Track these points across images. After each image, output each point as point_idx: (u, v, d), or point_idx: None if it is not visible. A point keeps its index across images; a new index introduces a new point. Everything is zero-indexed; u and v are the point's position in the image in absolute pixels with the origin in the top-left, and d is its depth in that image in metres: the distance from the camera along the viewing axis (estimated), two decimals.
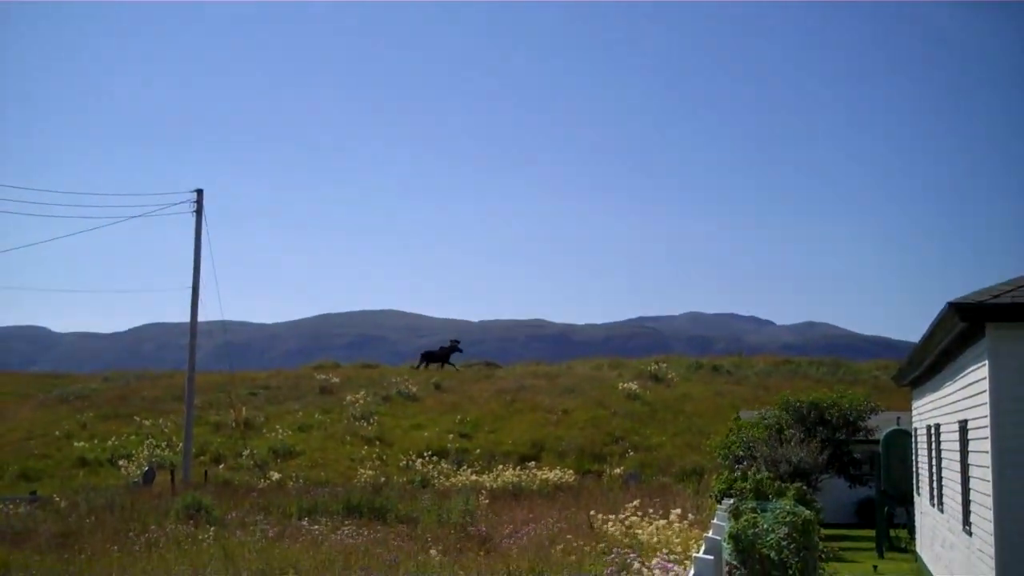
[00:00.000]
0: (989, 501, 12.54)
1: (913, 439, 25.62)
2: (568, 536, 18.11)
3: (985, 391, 12.64)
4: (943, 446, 18.15)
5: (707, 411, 54.33)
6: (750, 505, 13.48)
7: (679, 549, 15.38)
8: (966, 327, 12.97)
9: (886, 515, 27.78)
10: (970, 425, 14.28)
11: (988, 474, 12.69)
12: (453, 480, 41.64)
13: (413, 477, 42.49)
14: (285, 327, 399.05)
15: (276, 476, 41.60)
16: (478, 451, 46.80)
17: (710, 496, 30.80)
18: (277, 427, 49.03)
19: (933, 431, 19.95)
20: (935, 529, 20.37)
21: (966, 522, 14.97)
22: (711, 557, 10.28)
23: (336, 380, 58.63)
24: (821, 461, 32.03)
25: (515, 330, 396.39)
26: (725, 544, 12.82)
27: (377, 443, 47.58)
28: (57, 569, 16.43)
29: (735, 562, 12.24)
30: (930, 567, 21.58)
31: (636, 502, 20.65)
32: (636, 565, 13.10)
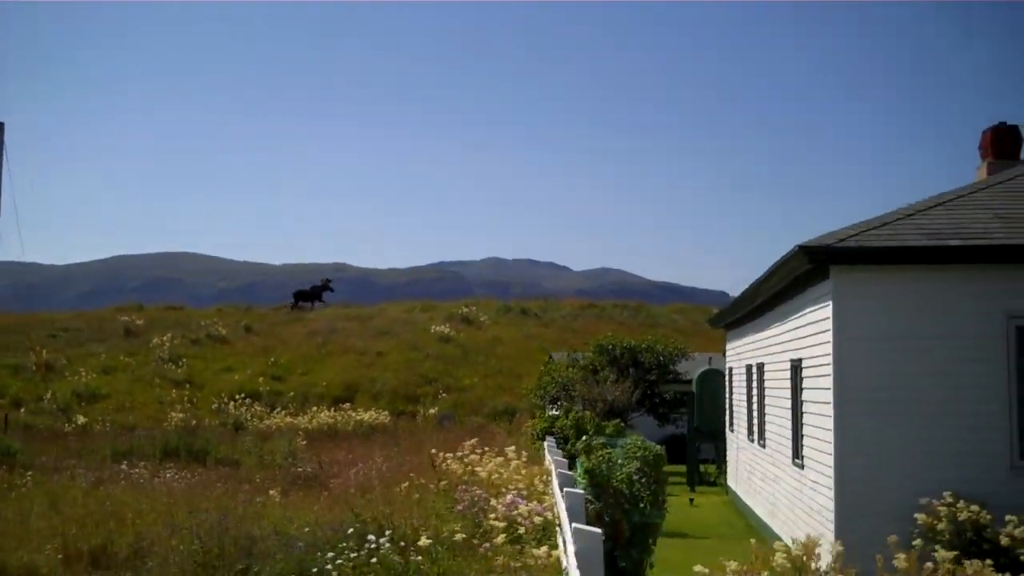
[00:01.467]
0: (828, 435, 13.19)
1: (727, 379, 26.66)
2: (411, 474, 18.05)
3: (827, 331, 13.24)
4: (768, 384, 18.96)
5: (517, 354, 55.13)
6: (600, 440, 13.76)
7: (522, 486, 15.57)
8: (810, 269, 13.54)
9: (696, 451, 28.84)
10: (805, 364, 14.96)
11: (827, 410, 13.35)
12: (267, 422, 41.05)
13: (226, 420, 41.63)
14: (77, 268, 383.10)
15: (82, 420, 40.08)
16: (291, 394, 46.28)
17: (530, 435, 31.36)
18: (80, 370, 47.13)
19: (755, 370, 20.80)
20: (753, 463, 21.32)
21: (797, 456, 15.72)
22: (580, 491, 10.49)
23: (140, 322, 56.73)
24: (634, 400, 33.04)
25: (317, 273, 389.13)
26: (579, 479, 13.08)
27: (187, 386, 46.37)
28: None
29: (589, 496, 12.50)
30: (744, 499, 22.60)
31: (473, 440, 20.78)
32: (492, 502, 13.22)
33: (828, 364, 13.25)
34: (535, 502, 13.64)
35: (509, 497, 14.09)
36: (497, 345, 56.13)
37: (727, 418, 26.80)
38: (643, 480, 12.90)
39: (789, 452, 16.37)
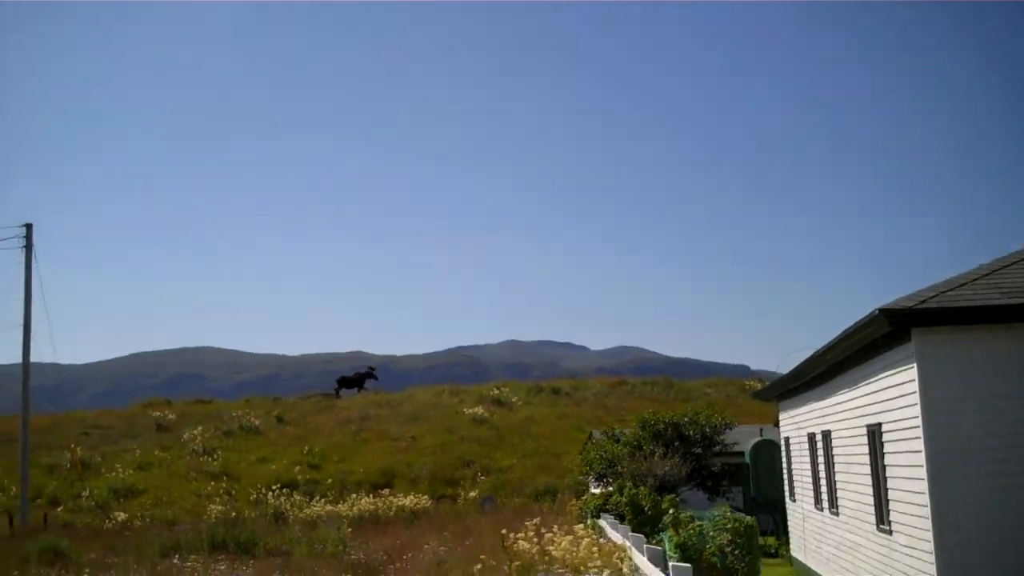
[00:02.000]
0: (922, 499, 12.93)
1: (784, 448, 26.33)
2: (482, 556, 17.71)
3: (913, 393, 13.05)
4: (839, 451, 18.67)
5: (552, 432, 54.85)
6: (688, 514, 13.52)
7: (599, 563, 15.29)
8: (888, 332, 13.39)
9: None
10: (885, 428, 14.73)
11: (918, 473, 13.11)
12: (307, 511, 40.67)
13: (265, 510, 41.26)
14: (96, 367, 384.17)
15: (121, 516, 39.82)
16: (329, 481, 45.95)
17: (576, 513, 31.00)
18: (116, 466, 47.00)
19: (819, 438, 20.51)
20: (823, 532, 20.91)
21: (882, 521, 15.41)
22: (688, 565, 10.25)
23: (172, 417, 56.64)
24: (684, 474, 32.71)
25: (335, 363, 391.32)
26: (670, 553, 12.83)
27: (224, 478, 46.16)
28: None
29: None
30: (815, 568, 22.14)
31: (537, 520, 20.50)
32: None
33: (915, 427, 13.04)
34: None
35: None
36: (531, 425, 55.84)
37: (787, 488, 26.39)
38: (736, 552, 12.66)
39: (871, 518, 16.05)
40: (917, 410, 12.93)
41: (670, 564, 10.03)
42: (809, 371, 20.16)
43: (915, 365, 12.92)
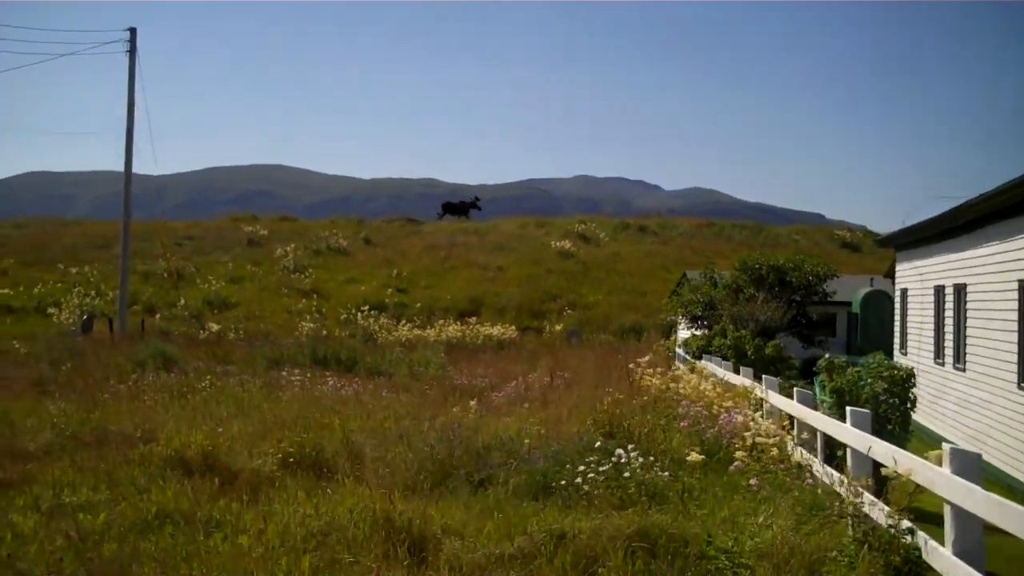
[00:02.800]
0: None
1: (900, 300, 25.74)
2: (607, 389, 17.55)
3: None
4: (975, 306, 18.11)
5: (638, 271, 54.55)
6: (842, 359, 13.15)
7: (729, 404, 15.07)
8: None
9: None
10: None
11: None
12: (395, 334, 41.09)
13: (354, 331, 41.77)
14: (171, 180, 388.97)
15: (215, 327, 40.47)
16: (418, 306, 46.27)
17: (671, 352, 30.83)
18: (209, 278, 47.61)
19: (950, 291, 19.91)
20: (943, 388, 20.49)
21: None
22: (867, 411, 9.88)
23: (264, 232, 57.07)
24: (786, 321, 32.33)
25: (407, 187, 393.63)
26: (826, 398, 12.50)
27: (314, 296, 46.60)
28: (85, 419, 15.40)
29: (836, 416, 11.95)
30: (927, 425, 21.82)
31: (648, 357, 20.32)
32: (739, 418, 12.73)
33: None
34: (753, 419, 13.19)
35: (739, 416, 13.61)
36: (617, 262, 55.54)
37: (897, 340, 25.91)
38: (891, 400, 12.30)
39: (1011, 376, 15.56)
40: None
41: (849, 409, 9.66)
42: (950, 221, 19.43)
43: None
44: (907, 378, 12.46)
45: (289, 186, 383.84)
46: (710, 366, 21.94)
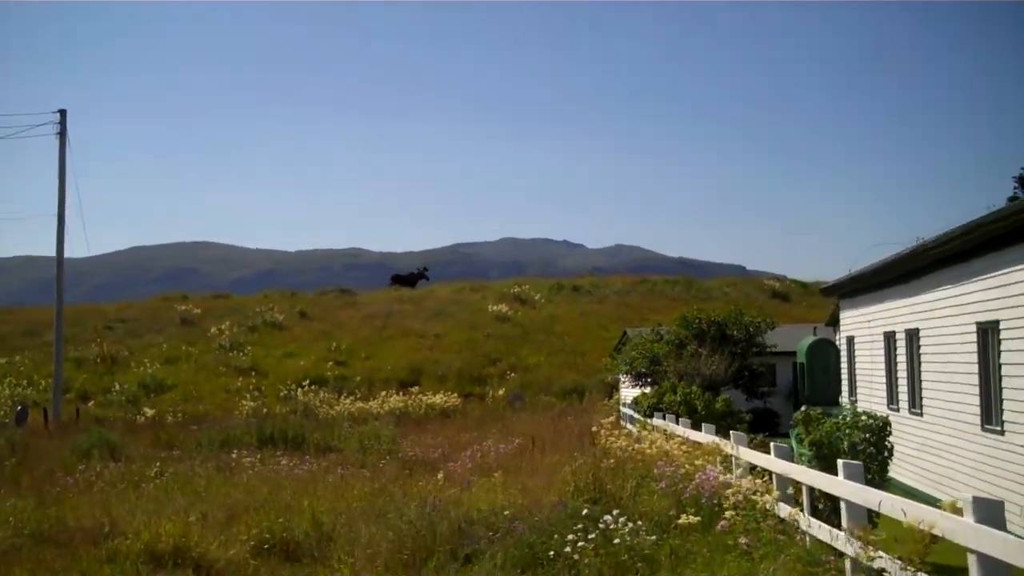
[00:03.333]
0: None
1: (847, 348, 25.99)
2: (573, 454, 17.39)
3: None
4: (930, 349, 18.33)
5: (576, 331, 54.66)
6: (817, 411, 13.15)
7: (699, 463, 15.02)
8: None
9: None
10: (1005, 325, 14.33)
11: None
12: (337, 408, 40.58)
13: (295, 407, 41.18)
14: (94, 262, 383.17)
15: (150, 412, 39.65)
16: (357, 378, 45.82)
17: (635, 410, 30.72)
18: (144, 360, 46.70)
19: (903, 336, 20.13)
20: (900, 432, 20.61)
21: (989, 421, 15.08)
22: (859, 463, 9.86)
23: (197, 311, 56.27)
24: (730, 374, 32.54)
25: (333, 258, 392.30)
26: (804, 451, 12.49)
27: (252, 374, 45.92)
28: (42, 515, 14.85)
29: (815, 468, 11.93)
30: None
31: (612, 418, 20.26)
32: (714, 476, 12.66)
33: None
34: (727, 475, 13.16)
35: (711, 472, 13.57)
36: (555, 323, 55.64)
37: (845, 387, 26.12)
38: (868, 450, 12.32)
39: (974, 419, 15.71)
40: None
41: (841, 462, 9.62)
42: (899, 267, 19.71)
43: None
44: (883, 427, 12.50)
45: (214, 262, 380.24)
46: (671, 425, 21.82)
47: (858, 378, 24.73)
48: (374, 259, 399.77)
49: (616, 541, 10.69)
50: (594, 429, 18.75)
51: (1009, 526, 8.90)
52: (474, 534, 11.99)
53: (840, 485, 9.72)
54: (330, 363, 47.56)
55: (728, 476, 13.63)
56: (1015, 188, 47.43)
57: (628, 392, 39.85)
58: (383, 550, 11.90)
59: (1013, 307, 14.00)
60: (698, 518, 10.91)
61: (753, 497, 11.21)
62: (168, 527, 12.83)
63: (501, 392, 44.88)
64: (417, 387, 44.28)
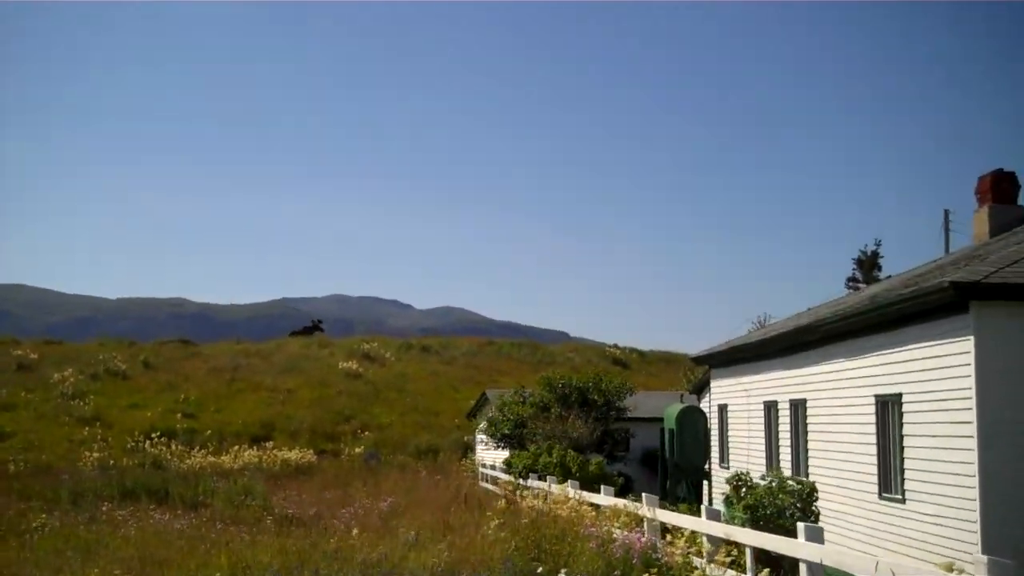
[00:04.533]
0: (959, 468, 13.37)
1: (718, 415, 26.80)
2: (488, 514, 17.41)
3: (966, 364, 13.41)
4: (818, 420, 19.14)
5: (427, 391, 54.72)
6: (747, 479, 13.66)
7: (617, 525, 15.37)
8: (940, 304, 13.77)
9: (676, 487, 28.86)
10: (908, 399, 15.14)
11: (956, 444, 13.54)
12: (189, 462, 39.52)
13: (144, 459, 39.93)
14: None
15: None
16: (208, 432, 44.73)
17: (503, 471, 30.90)
18: None
19: (788, 406, 20.94)
20: None
21: (888, 490, 15.84)
22: (820, 526, 10.32)
23: (34, 356, 54.01)
24: (596, 437, 33.13)
25: (156, 307, 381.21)
26: (738, 513, 12.93)
27: (96, 423, 44.30)
28: None
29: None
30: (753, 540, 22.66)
31: (507, 477, 20.38)
32: (639, 537, 13.02)
33: (964, 398, 13.43)
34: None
35: (635, 535, 13.89)
36: (406, 382, 55.59)
37: (717, 454, 26.92)
38: (796, 515, 12.86)
39: (870, 487, 16.43)
40: (969, 381, 13.30)
41: (801, 525, 10.06)
42: (782, 341, 20.57)
43: (972, 337, 13.28)
44: (810, 492, 13.06)
45: (28, 306, 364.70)
46: (569, 489, 21.81)
47: (731, 445, 25.53)
48: (197, 309, 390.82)
49: None
50: (509, 491, 18.78)
51: None
52: None
53: (801, 547, 10.15)
54: (179, 415, 46.27)
55: (653, 537, 13.99)
56: (853, 269, 50.02)
57: (486, 453, 40.07)
58: None
59: (919, 381, 14.82)
60: None
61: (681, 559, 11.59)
62: None
63: (358, 450, 44.51)
64: (271, 442, 43.50)
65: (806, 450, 19.84)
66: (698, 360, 29.81)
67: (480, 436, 41.36)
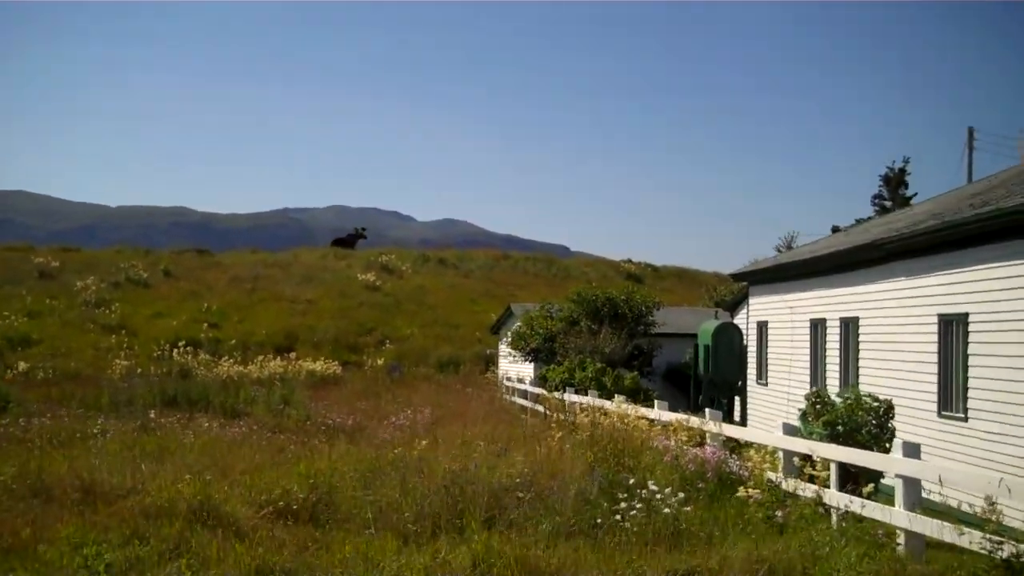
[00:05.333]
0: (1016, 387, 13.60)
1: (757, 332, 26.98)
2: (552, 425, 17.68)
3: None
4: (872, 338, 19.34)
5: (446, 303, 54.96)
6: (825, 395, 13.84)
7: (684, 437, 15.65)
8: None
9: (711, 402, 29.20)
10: (975, 318, 15.30)
11: (1019, 363, 13.72)
12: (216, 371, 39.77)
13: (171, 367, 40.15)
14: None
15: (23, 366, 38.08)
16: (232, 341, 44.96)
17: (534, 385, 31.18)
18: (5, 313, 44.66)
19: (838, 324, 21.12)
20: None
21: (950, 408, 16.07)
22: (918, 443, 10.53)
23: (56, 264, 54.09)
24: (627, 353, 33.34)
25: (157, 216, 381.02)
26: (816, 430, 13.13)
27: (122, 332, 44.53)
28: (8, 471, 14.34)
29: None
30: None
31: (588, 395, 20.61)
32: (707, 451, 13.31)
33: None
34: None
35: (708, 449, 14.15)
36: (425, 295, 55.81)
37: (753, 371, 27.15)
38: (873, 431, 13.07)
39: (928, 405, 16.66)
40: None
41: (898, 441, 10.28)
42: (836, 259, 20.69)
43: None
44: (887, 410, 13.25)
45: (31, 214, 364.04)
46: (626, 405, 21.85)
47: (770, 362, 25.77)
48: (198, 219, 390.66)
49: (666, 511, 11.07)
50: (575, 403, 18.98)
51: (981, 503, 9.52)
52: (507, 501, 12.14)
53: (900, 464, 10.36)
54: (204, 325, 46.50)
55: (724, 452, 14.23)
56: (880, 187, 50.00)
57: (510, 367, 40.33)
58: (412, 514, 11.94)
59: (985, 301, 14.98)
60: (757, 491, 11.38)
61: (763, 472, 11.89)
62: (185, 488, 12.62)
63: (381, 361, 44.82)
64: (294, 353, 43.75)
65: (857, 367, 20.07)
66: (737, 277, 29.95)
67: (505, 349, 41.61)
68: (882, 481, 12.85)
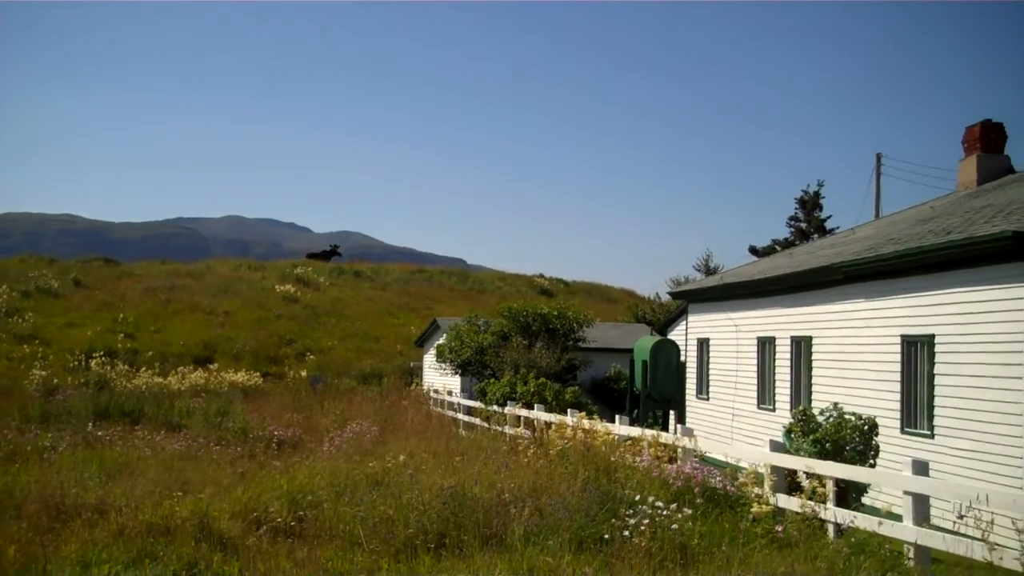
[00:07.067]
0: (1004, 408, 14.03)
1: (697, 349, 27.40)
2: (519, 440, 17.67)
3: (1018, 310, 14.02)
4: (825, 356, 19.78)
5: (365, 316, 54.68)
6: (815, 411, 14.09)
7: (660, 453, 15.81)
8: (1004, 247, 14.29)
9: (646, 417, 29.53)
10: (941, 340, 15.77)
11: (1002, 384, 14.18)
12: (135, 382, 38.97)
13: (88, 378, 39.20)
14: None
15: None
16: (149, 353, 44.05)
17: (469, 399, 31.15)
18: None
19: (788, 342, 21.56)
20: (769, 431, 22.06)
21: (914, 425, 16.52)
22: (925, 461, 10.83)
23: None
24: (562, 366, 33.56)
25: (44, 223, 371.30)
26: (804, 446, 13.39)
27: (35, 342, 43.35)
28: None
29: None
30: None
31: (535, 409, 20.63)
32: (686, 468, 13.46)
33: (1008, 342, 14.08)
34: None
35: (690, 465, 14.33)
36: (343, 307, 55.45)
37: (693, 386, 27.55)
38: (858, 449, 13.37)
39: (890, 423, 17.05)
40: (1020, 326, 13.90)
41: (908, 459, 10.56)
42: (788, 280, 21.15)
43: None
44: (871, 428, 13.57)
45: None
46: (588, 420, 21.78)
47: (712, 377, 26.19)
48: (89, 226, 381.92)
49: (674, 527, 11.16)
50: (547, 421, 18.97)
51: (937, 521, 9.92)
52: (507, 517, 12.11)
53: (909, 481, 10.64)
54: (120, 335, 45.47)
55: (708, 468, 14.41)
56: (796, 209, 51.10)
57: (436, 380, 40.26)
58: (400, 529, 11.83)
59: (953, 324, 15.45)
60: (768, 507, 11.56)
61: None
62: (180, 506, 12.39)
63: (303, 373, 44.38)
64: (214, 364, 43.08)
65: (810, 384, 20.50)
66: (675, 295, 30.36)
67: (431, 362, 41.53)
68: (863, 498, 13.26)
